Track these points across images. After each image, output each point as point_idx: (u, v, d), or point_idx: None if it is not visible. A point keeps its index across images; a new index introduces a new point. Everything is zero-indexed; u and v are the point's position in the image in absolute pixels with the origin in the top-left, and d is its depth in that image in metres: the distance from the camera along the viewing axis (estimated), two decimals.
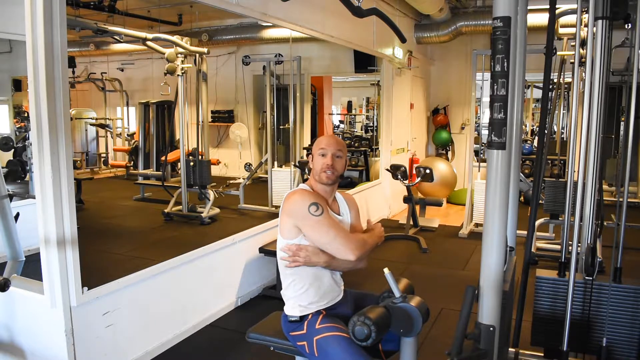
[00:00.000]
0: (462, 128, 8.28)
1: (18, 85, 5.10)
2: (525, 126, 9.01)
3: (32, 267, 2.52)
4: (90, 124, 9.21)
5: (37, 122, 2.21)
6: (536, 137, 8.43)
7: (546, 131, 5.83)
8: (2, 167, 3.92)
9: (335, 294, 1.99)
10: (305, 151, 6.26)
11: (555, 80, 5.49)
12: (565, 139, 6.65)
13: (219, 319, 3.39)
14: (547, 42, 1.88)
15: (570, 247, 2.08)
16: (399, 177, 5.46)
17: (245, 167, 6.59)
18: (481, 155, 6.41)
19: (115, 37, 5.21)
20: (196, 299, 3.24)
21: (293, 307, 1.95)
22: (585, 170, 2.09)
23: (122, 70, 8.88)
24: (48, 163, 2.22)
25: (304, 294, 1.93)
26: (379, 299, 1.88)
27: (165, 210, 5.29)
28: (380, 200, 6.42)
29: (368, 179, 7.48)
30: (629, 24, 2.19)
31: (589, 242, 2.11)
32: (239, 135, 7.26)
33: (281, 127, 6.49)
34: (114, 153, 9.11)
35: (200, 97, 5.38)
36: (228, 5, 3.36)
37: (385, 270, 1.70)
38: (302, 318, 1.92)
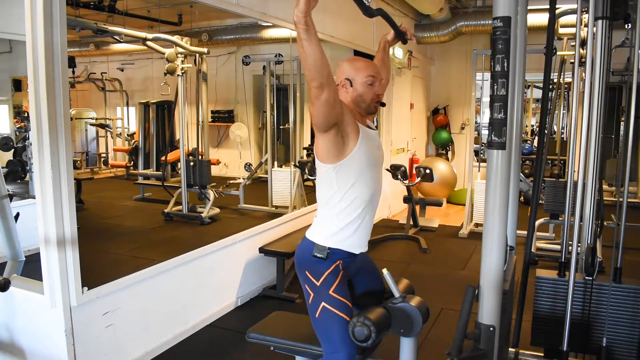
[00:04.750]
0: (462, 128, 8.28)
1: (18, 85, 5.09)
2: (526, 126, 9.00)
3: (32, 267, 2.52)
4: (90, 124, 9.21)
5: (37, 122, 2.21)
6: (536, 137, 8.43)
7: (546, 131, 5.82)
8: (2, 167, 3.92)
9: (364, 242, 1.95)
10: (305, 151, 6.25)
11: (555, 80, 5.49)
12: (565, 139, 6.66)
13: (219, 319, 3.39)
14: (547, 42, 1.89)
15: (570, 247, 2.08)
16: (399, 177, 5.45)
17: (245, 167, 6.59)
18: (481, 155, 6.41)
19: (115, 37, 5.19)
20: (196, 299, 3.24)
21: (326, 237, 1.85)
22: (585, 170, 2.10)
23: (122, 70, 8.87)
24: (48, 163, 2.22)
25: (346, 227, 1.85)
26: (383, 293, 1.88)
27: (165, 210, 5.28)
28: (380, 200, 6.40)
29: None
30: (629, 24, 2.19)
31: (589, 242, 2.12)
32: (239, 135, 7.26)
33: (281, 127, 6.48)
34: (114, 153, 9.11)
35: (200, 97, 5.38)
36: (228, 5, 3.36)
37: (385, 270, 1.70)
38: (327, 257, 1.83)
